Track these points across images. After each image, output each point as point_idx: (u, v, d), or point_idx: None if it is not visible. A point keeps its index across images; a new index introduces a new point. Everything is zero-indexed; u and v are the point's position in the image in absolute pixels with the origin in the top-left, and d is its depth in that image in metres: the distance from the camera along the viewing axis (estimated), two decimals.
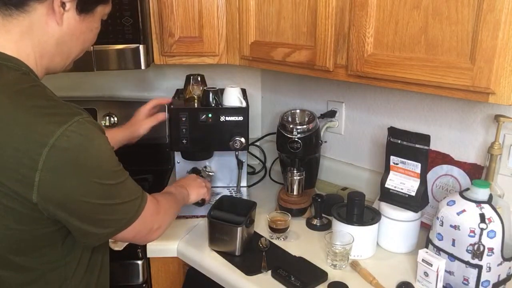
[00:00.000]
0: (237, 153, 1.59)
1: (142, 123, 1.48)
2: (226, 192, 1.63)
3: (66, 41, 0.91)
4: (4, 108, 0.79)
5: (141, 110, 1.50)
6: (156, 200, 1.03)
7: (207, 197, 1.39)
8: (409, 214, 1.25)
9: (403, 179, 1.27)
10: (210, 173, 1.61)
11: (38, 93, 0.84)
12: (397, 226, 1.27)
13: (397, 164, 1.28)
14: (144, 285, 1.42)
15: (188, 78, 1.59)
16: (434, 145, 1.35)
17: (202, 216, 1.47)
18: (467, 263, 1.05)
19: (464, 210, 1.05)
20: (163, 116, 1.51)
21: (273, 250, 1.30)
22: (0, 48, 0.85)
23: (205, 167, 1.62)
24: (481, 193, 1.06)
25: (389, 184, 1.29)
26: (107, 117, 1.82)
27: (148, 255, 1.38)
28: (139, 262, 1.38)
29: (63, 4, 0.87)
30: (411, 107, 1.45)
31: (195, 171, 1.56)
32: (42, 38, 0.88)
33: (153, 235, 1.02)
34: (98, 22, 0.97)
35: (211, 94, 1.49)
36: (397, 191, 1.28)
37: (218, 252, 1.30)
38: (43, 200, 0.80)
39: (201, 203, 1.39)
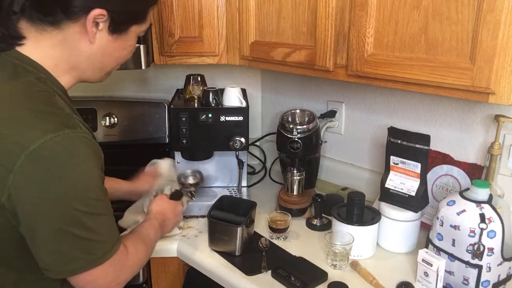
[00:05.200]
0: (237, 153, 1.59)
1: (147, 179, 1.42)
2: (226, 192, 1.63)
3: (98, 57, 0.92)
4: (4, 105, 0.81)
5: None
6: (126, 251, 0.93)
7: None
8: (409, 214, 1.25)
9: (403, 179, 1.27)
10: (193, 193, 1.43)
11: (41, 98, 0.83)
12: (397, 226, 1.27)
13: (397, 164, 1.28)
14: (144, 285, 1.42)
15: (188, 78, 1.59)
16: (434, 145, 1.35)
17: (202, 216, 1.47)
18: (467, 263, 1.05)
19: (464, 210, 1.05)
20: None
21: (273, 250, 1.30)
22: (27, 53, 0.86)
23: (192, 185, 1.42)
24: (481, 193, 1.06)
25: (389, 184, 1.29)
26: (107, 117, 1.82)
27: None
28: None
29: (96, 24, 0.87)
30: (411, 107, 1.45)
31: (177, 195, 1.35)
32: (73, 53, 0.89)
33: None
34: (133, 40, 0.97)
35: (211, 94, 1.49)
36: (397, 191, 1.28)
37: (218, 252, 1.30)
38: (11, 205, 0.78)
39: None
